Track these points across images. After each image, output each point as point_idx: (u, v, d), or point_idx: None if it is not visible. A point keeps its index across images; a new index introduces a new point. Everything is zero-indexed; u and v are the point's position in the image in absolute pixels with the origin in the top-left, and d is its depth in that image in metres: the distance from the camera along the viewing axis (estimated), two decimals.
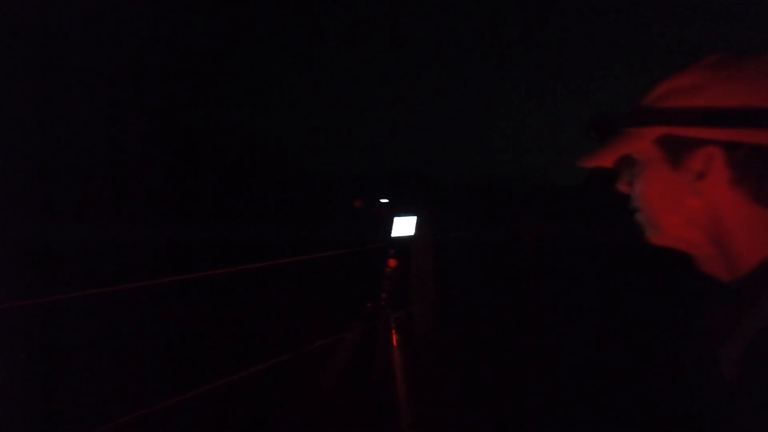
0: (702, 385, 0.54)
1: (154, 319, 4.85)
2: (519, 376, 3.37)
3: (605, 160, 0.62)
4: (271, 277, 5.87)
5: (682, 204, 0.56)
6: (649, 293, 5.39)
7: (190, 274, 2.95)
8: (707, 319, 0.55)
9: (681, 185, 0.55)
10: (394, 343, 2.10)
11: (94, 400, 2.77)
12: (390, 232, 2.08)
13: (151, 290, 2.75)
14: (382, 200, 2.11)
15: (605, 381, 3.08)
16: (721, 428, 0.49)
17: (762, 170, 0.50)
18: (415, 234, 2.18)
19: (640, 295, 5.36)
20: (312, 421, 2.64)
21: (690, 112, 0.53)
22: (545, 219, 7.12)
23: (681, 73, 0.56)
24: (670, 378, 2.90)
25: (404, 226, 2.13)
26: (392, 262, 2.13)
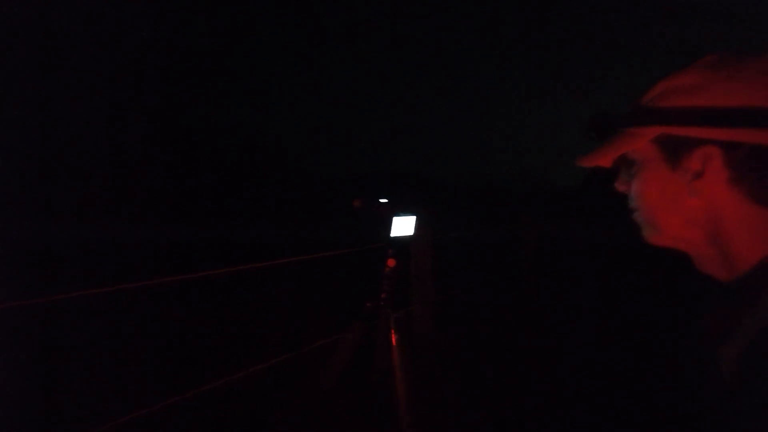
0: (702, 385, 0.54)
1: (154, 319, 4.85)
2: (519, 376, 3.37)
3: (603, 159, 0.62)
4: (271, 277, 5.86)
5: (680, 204, 0.56)
6: (649, 293, 5.38)
7: (190, 274, 2.95)
8: (707, 319, 0.55)
9: (679, 185, 0.55)
10: (394, 343, 2.10)
11: (94, 400, 2.77)
12: (389, 232, 2.08)
13: (151, 290, 2.75)
14: (382, 200, 2.11)
15: (605, 381, 3.08)
16: (721, 428, 0.49)
17: (761, 170, 0.50)
18: (414, 234, 2.18)
19: (640, 295, 5.36)
20: (312, 421, 2.64)
21: (688, 112, 0.53)
22: (545, 219, 7.13)
23: (679, 73, 0.56)
24: (670, 378, 2.90)
25: (403, 226, 2.13)
26: (391, 262, 2.13)
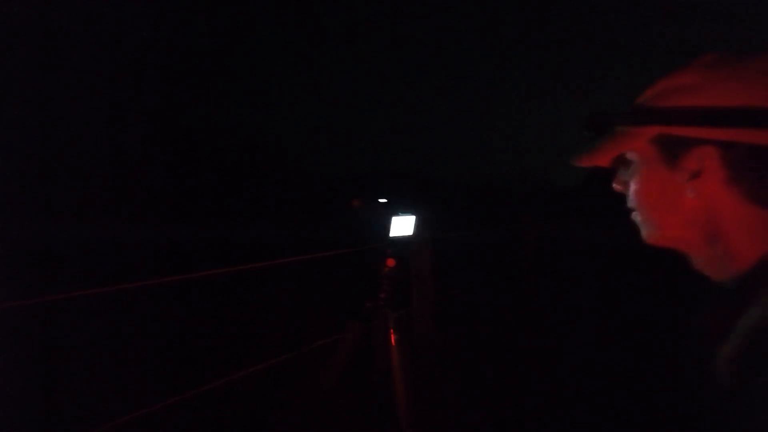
0: (702, 385, 0.54)
1: (154, 319, 4.85)
2: (519, 376, 3.37)
3: (601, 159, 0.62)
4: (271, 277, 5.87)
5: (678, 204, 0.56)
6: (649, 293, 5.38)
7: (190, 274, 2.95)
8: (707, 319, 0.55)
9: (677, 185, 0.55)
10: (393, 343, 2.10)
11: (94, 400, 2.77)
12: (388, 232, 2.08)
13: (151, 290, 2.75)
14: (381, 200, 2.11)
15: (605, 381, 3.08)
16: (720, 428, 0.49)
17: (759, 170, 0.50)
18: (413, 234, 2.18)
19: (640, 295, 5.36)
20: (312, 421, 2.64)
21: (686, 112, 0.53)
22: (545, 219, 7.12)
23: (677, 73, 0.56)
24: (670, 378, 2.90)
25: (403, 226, 2.13)
26: (391, 262, 2.14)
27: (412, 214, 2.15)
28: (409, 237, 2.16)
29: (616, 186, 0.64)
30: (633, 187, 0.60)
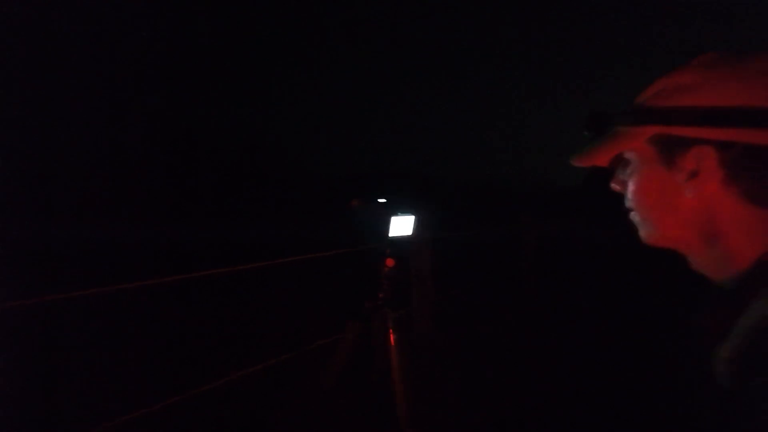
0: (702, 385, 0.54)
1: (154, 319, 4.85)
2: (519, 376, 3.37)
3: (599, 159, 0.62)
4: (270, 277, 5.86)
5: (676, 204, 0.56)
6: (649, 293, 5.38)
7: (190, 274, 2.95)
8: (706, 319, 0.55)
9: (675, 185, 0.55)
10: (392, 342, 2.10)
11: (94, 400, 2.77)
12: (388, 232, 2.08)
13: (151, 290, 2.75)
14: (380, 200, 2.11)
15: (605, 381, 3.08)
16: (720, 428, 0.49)
17: (756, 170, 0.50)
18: (413, 234, 2.18)
19: (640, 295, 5.36)
20: (312, 421, 2.64)
21: (683, 112, 0.53)
22: (545, 219, 7.12)
23: (675, 73, 0.56)
24: (670, 378, 2.90)
25: (402, 226, 2.13)
26: (390, 262, 2.14)
27: (412, 214, 2.15)
28: (408, 237, 2.16)
29: (614, 186, 0.64)
30: (631, 187, 0.60)
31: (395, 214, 2.09)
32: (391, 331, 2.12)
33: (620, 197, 0.64)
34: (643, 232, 0.61)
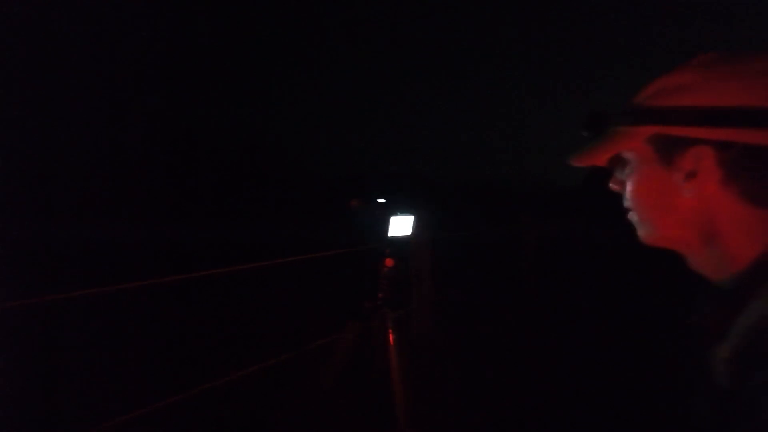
0: (701, 385, 0.54)
1: (154, 319, 4.85)
2: (519, 376, 3.37)
3: (598, 159, 0.62)
4: (270, 277, 5.86)
5: (674, 204, 0.56)
6: (649, 293, 5.38)
7: (190, 274, 2.95)
8: (705, 319, 0.55)
9: (673, 185, 0.55)
10: (391, 342, 2.10)
11: (94, 400, 2.77)
12: (387, 232, 2.08)
13: (151, 290, 2.75)
14: (379, 200, 2.11)
15: (605, 381, 3.08)
16: (719, 428, 0.49)
17: (754, 170, 0.50)
18: (412, 234, 2.18)
19: (640, 295, 5.35)
20: (312, 421, 2.64)
21: (681, 112, 0.53)
22: (545, 219, 7.12)
23: (673, 73, 0.56)
24: (670, 378, 2.90)
25: (401, 226, 2.13)
26: (389, 262, 2.14)
27: (411, 214, 2.15)
28: (407, 237, 2.16)
29: (612, 186, 0.64)
30: (629, 186, 0.60)
31: (395, 214, 2.09)
32: (390, 331, 2.12)
33: (620, 197, 0.64)
34: (641, 232, 0.61)
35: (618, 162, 0.62)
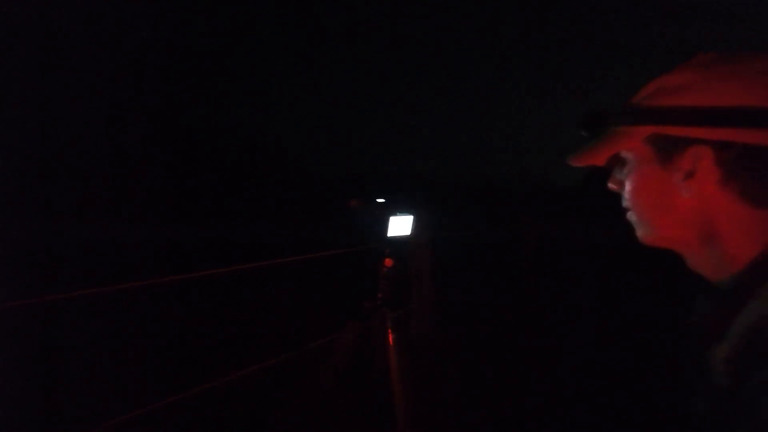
0: (700, 385, 0.54)
1: (154, 319, 4.85)
2: (519, 376, 3.37)
3: (596, 159, 0.61)
4: (270, 277, 5.86)
5: (673, 204, 0.56)
6: (649, 293, 5.38)
7: (190, 274, 2.95)
8: (705, 319, 0.55)
9: (672, 185, 0.55)
10: (391, 342, 2.10)
11: (94, 400, 2.77)
12: (386, 232, 2.08)
13: (151, 290, 2.75)
14: (379, 200, 2.11)
15: (605, 381, 3.08)
16: (719, 428, 0.49)
17: (753, 170, 0.50)
18: (412, 234, 2.18)
19: (640, 295, 5.35)
20: (312, 421, 2.64)
21: (680, 112, 0.53)
22: (545, 219, 7.12)
23: (673, 72, 0.56)
24: (670, 378, 2.90)
25: (401, 226, 2.12)
26: (389, 262, 2.13)
27: (411, 213, 2.15)
28: (407, 237, 2.15)
29: (611, 185, 0.64)
30: (628, 186, 0.60)
31: (394, 213, 2.09)
32: (390, 331, 2.12)
33: (620, 197, 0.64)
34: (640, 232, 0.61)
35: (617, 162, 0.62)
